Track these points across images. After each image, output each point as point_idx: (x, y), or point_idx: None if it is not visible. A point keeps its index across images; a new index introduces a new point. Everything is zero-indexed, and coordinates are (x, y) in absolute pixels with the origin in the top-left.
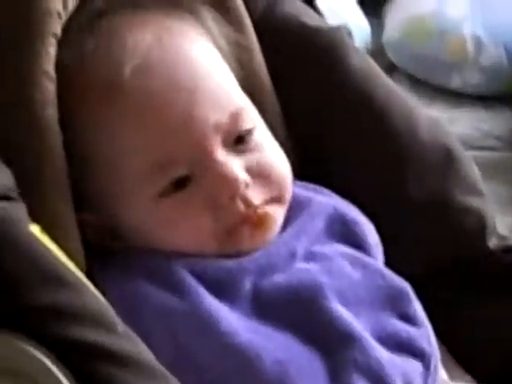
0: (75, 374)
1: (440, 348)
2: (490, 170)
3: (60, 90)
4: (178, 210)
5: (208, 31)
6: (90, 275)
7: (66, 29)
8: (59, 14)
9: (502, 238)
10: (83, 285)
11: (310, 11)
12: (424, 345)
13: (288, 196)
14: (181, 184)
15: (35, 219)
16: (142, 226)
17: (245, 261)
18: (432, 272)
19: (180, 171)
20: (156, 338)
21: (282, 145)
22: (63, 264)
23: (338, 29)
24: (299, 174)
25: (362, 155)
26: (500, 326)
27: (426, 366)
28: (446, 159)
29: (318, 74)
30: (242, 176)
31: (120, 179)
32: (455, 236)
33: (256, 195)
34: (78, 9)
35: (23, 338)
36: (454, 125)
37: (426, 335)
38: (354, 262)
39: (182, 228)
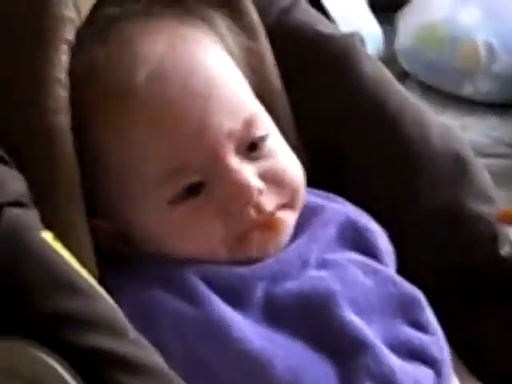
0: (88, 381)
1: (452, 356)
2: (501, 177)
3: (73, 96)
4: (190, 216)
5: (221, 38)
6: (101, 281)
7: (79, 36)
8: (72, 21)
9: None
10: (96, 291)
11: (323, 18)
12: (436, 352)
13: (300, 202)
14: (194, 191)
15: (47, 226)
16: (154, 232)
17: (257, 267)
18: (444, 279)
19: (193, 178)
20: (168, 345)
21: (294, 148)
22: (76, 271)
23: (350, 36)
24: (310, 179)
25: (374, 162)
26: None
27: (438, 373)
28: (458, 166)
29: (330, 81)
30: (256, 183)
31: (133, 185)
32: (467, 243)
33: (269, 202)
34: (92, 16)
35: (36, 345)
36: (465, 132)
37: (437, 343)
38: (366, 269)
39: (193, 234)
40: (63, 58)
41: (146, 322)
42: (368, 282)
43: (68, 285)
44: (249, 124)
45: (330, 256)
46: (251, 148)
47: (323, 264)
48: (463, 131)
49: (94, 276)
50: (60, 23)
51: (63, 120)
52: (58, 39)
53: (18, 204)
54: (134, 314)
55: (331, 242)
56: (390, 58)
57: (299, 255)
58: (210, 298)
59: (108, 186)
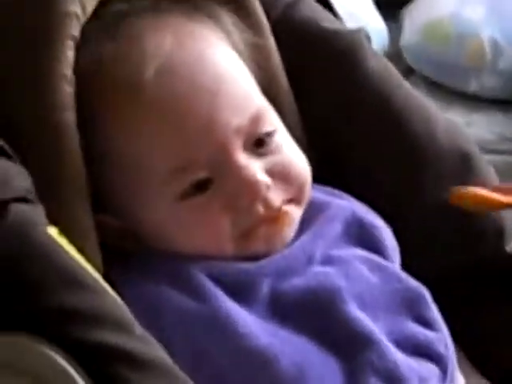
0: (94, 377)
1: (456, 352)
2: (506, 173)
3: (80, 92)
4: (198, 212)
5: (227, 35)
6: (106, 277)
7: (85, 32)
8: (77, 17)
9: None
10: (102, 287)
11: (329, 14)
12: (441, 348)
13: (306, 197)
14: (202, 187)
15: (53, 221)
16: (161, 227)
17: (263, 263)
18: (449, 276)
19: (201, 174)
20: (174, 342)
21: (299, 144)
22: (82, 266)
23: (356, 32)
24: (315, 175)
25: (379, 158)
26: None
27: (443, 369)
28: (464, 162)
29: (336, 77)
30: (264, 179)
31: (140, 181)
32: (472, 239)
33: (276, 197)
34: (98, 12)
35: (41, 341)
36: (470, 128)
37: (442, 339)
38: (372, 265)
39: (201, 230)
40: (69, 54)
41: (152, 318)
42: (373, 278)
43: (74, 280)
44: (256, 120)
45: (335, 252)
46: (258, 144)
47: (329, 260)
48: (468, 127)
49: (99, 272)
50: (66, 19)
51: (69, 116)
52: (64, 35)
53: (23, 200)
54: (139, 310)
55: (337, 238)
56: (395, 55)
57: (305, 251)
58: (217, 295)
59: (115, 182)
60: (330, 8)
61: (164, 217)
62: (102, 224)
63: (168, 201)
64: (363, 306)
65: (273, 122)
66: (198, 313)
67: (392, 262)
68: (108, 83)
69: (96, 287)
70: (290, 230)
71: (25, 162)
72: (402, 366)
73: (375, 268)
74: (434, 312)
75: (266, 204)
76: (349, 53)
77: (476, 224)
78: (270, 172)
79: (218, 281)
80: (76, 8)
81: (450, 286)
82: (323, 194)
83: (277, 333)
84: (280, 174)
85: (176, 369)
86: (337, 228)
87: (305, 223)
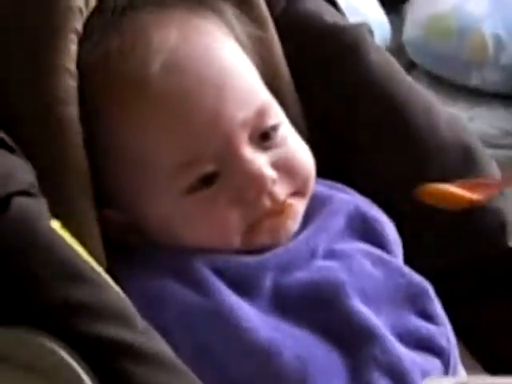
0: (98, 370)
1: (458, 346)
2: (509, 167)
3: (83, 86)
4: (204, 206)
5: (231, 29)
6: (110, 272)
7: (88, 26)
8: (81, 11)
9: None
10: (105, 281)
11: (331, 8)
12: (443, 343)
13: (310, 190)
14: (208, 181)
15: (56, 215)
16: (167, 222)
17: (266, 257)
18: (451, 270)
19: (207, 168)
20: (177, 335)
21: (302, 137)
22: (84, 260)
23: (359, 26)
24: (318, 169)
25: (382, 152)
26: None
27: (445, 363)
28: (466, 156)
29: (339, 70)
30: (269, 172)
31: (146, 175)
32: (475, 234)
33: (281, 191)
34: (101, 6)
35: (45, 335)
36: (472, 122)
37: (445, 333)
38: (375, 259)
39: (207, 224)
40: (72, 48)
41: (155, 312)
42: (376, 272)
43: (78, 274)
44: (261, 113)
45: (338, 246)
46: (264, 137)
47: (332, 254)
48: (471, 122)
49: (103, 266)
50: (69, 13)
51: (73, 110)
52: (68, 29)
53: (26, 193)
54: (143, 304)
55: (340, 232)
56: (397, 49)
57: (308, 245)
58: (220, 289)
59: (119, 177)
60: (333, 2)
61: (170, 211)
62: (105, 218)
63: (174, 195)
64: (366, 300)
65: (277, 115)
66: (201, 306)
67: (395, 256)
68: (113, 77)
69: (100, 281)
70: (294, 223)
71: (28, 156)
72: (405, 359)
73: (378, 262)
74: (437, 306)
75: (272, 197)
76: (352, 47)
77: (479, 219)
78: (275, 165)
79: (221, 274)
80: (79, 2)
81: (453, 280)
82: (326, 188)
83: (280, 326)
84: (285, 167)
85: (179, 362)
86: (340, 222)
87: (308, 217)
